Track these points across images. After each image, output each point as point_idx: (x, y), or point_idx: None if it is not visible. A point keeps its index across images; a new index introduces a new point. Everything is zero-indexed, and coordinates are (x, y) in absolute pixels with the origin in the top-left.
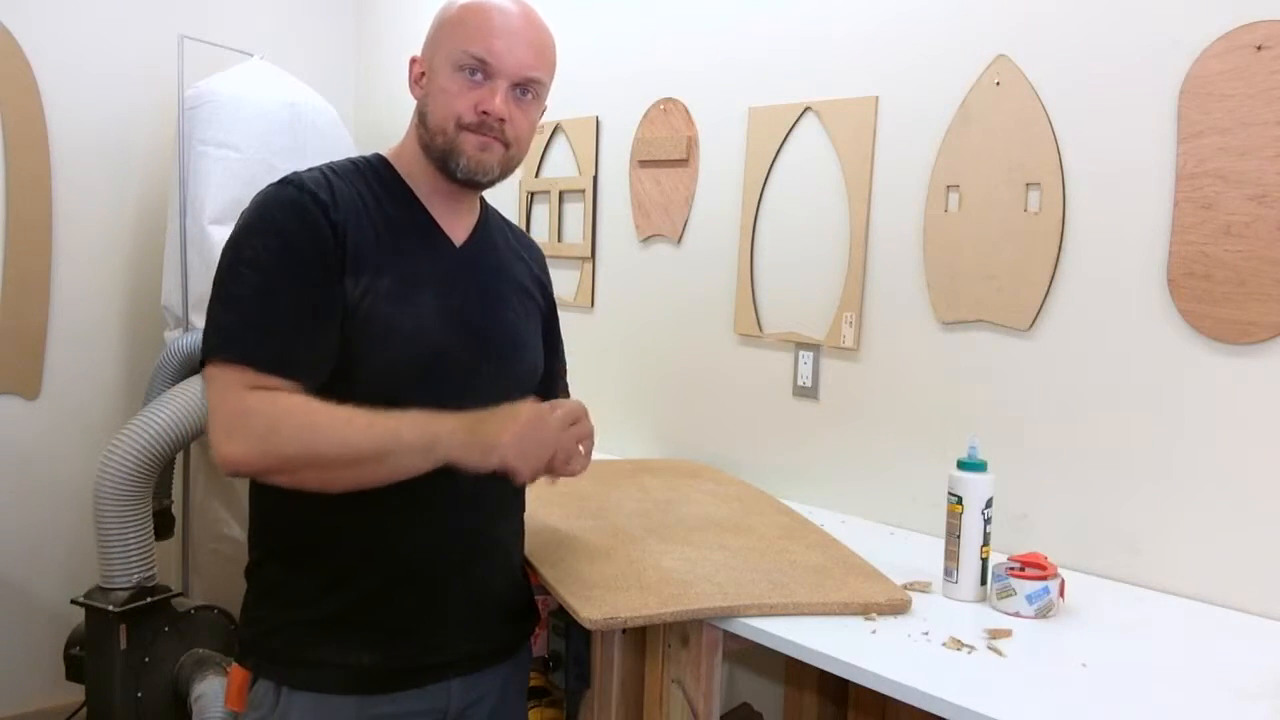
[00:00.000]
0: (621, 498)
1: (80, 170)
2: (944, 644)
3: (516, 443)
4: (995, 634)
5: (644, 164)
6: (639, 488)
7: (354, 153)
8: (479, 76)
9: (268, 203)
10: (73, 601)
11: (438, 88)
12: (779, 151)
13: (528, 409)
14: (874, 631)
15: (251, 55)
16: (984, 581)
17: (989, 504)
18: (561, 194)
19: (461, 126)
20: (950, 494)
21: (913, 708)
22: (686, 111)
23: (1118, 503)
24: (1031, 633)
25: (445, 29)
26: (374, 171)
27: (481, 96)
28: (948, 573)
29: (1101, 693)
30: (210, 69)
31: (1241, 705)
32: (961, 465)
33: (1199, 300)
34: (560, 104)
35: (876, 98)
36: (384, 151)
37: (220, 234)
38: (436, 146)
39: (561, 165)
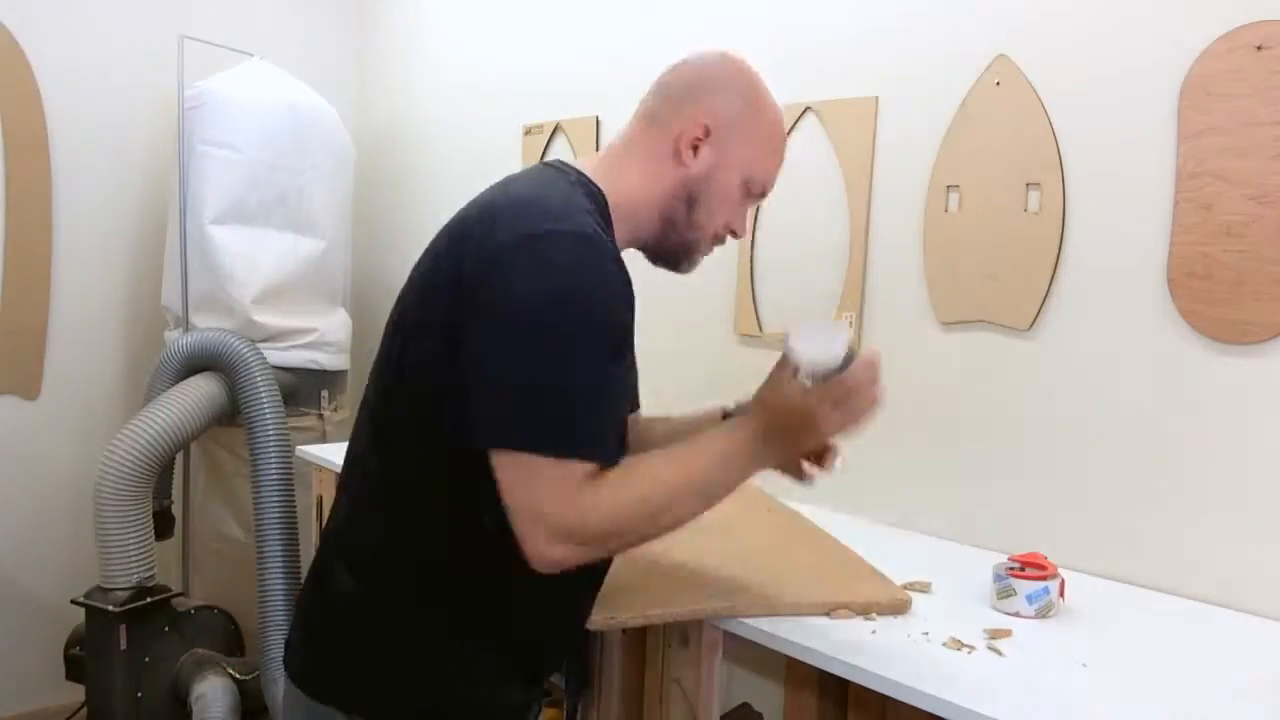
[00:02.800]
0: None
1: (80, 170)
2: (944, 644)
3: (838, 420)
4: (995, 634)
5: None
6: None
7: (352, 153)
8: (752, 200)
9: (600, 267)
10: (73, 601)
11: (724, 187)
12: None
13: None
14: (874, 631)
15: (251, 55)
16: None
17: None
18: None
19: (716, 237)
20: None
21: (913, 708)
22: None
23: (1118, 503)
24: (1031, 633)
25: (758, 132)
26: (604, 219)
27: (742, 218)
28: None
29: (1101, 693)
30: (210, 69)
31: (1241, 705)
32: None
33: (1199, 300)
34: (560, 104)
35: (876, 98)
36: (602, 185)
37: (220, 234)
38: (680, 236)
39: None
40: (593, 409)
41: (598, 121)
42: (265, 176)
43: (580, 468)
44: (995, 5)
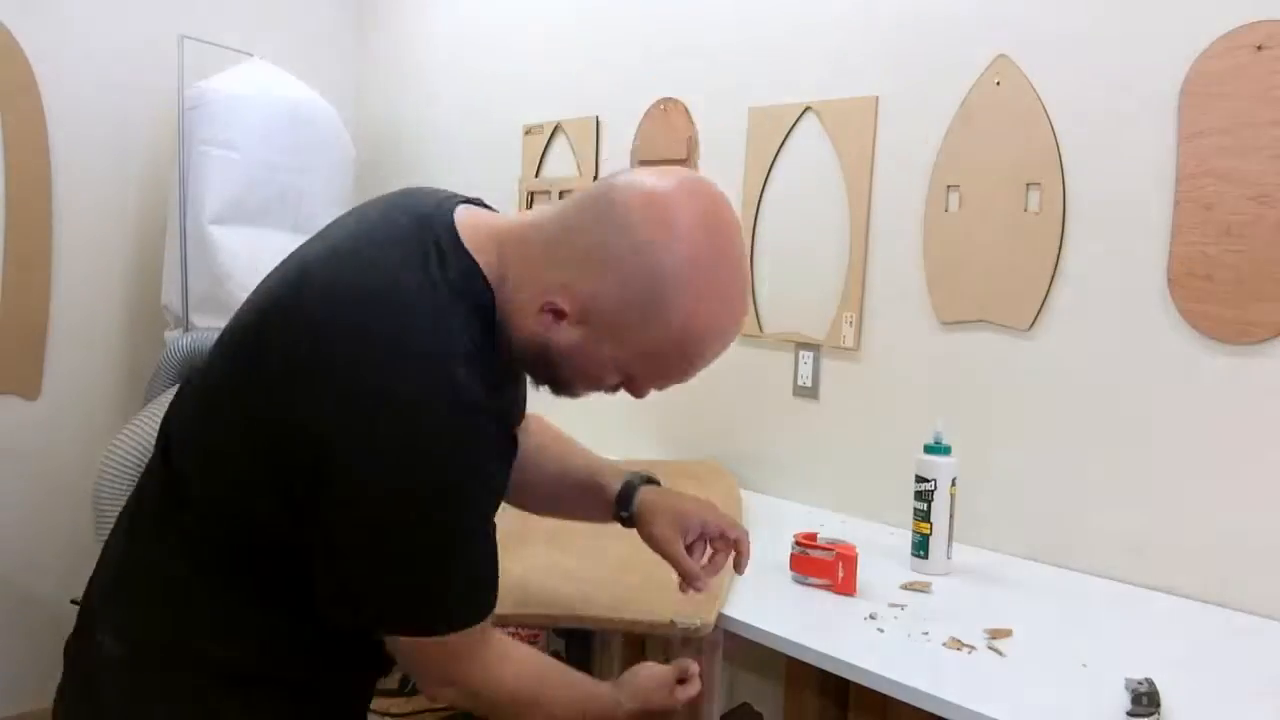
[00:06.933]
0: None
1: (80, 170)
2: (944, 644)
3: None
4: (995, 634)
5: (644, 164)
6: None
7: (352, 153)
8: (633, 391)
9: (478, 449)
10: (73, 601)
11: (592, 370)
12: (779, 151)
13: (653, 675)
14: (880, 630)
15: (251, 55)
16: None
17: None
18: (561, 194)
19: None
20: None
21: (913, 708)
22: (686, 111)
23: (1118, 502)
24: (1032, 633)
25: (653, 344)
26: (488, 327)
27: (634, 392)
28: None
29: (1102, 693)
30: (210, 69)
31: (1242, 705)
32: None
33: (1199, 300)
34: (560, 104)
35: (876, 98)
36: (494, 277)
37: (220, 234)
38: (545, 378)
39: (561, 165)
40: (482, 584)
41: (598, 121)
42: (265, 176)
43: (475, 632)
44: (995, 5)
